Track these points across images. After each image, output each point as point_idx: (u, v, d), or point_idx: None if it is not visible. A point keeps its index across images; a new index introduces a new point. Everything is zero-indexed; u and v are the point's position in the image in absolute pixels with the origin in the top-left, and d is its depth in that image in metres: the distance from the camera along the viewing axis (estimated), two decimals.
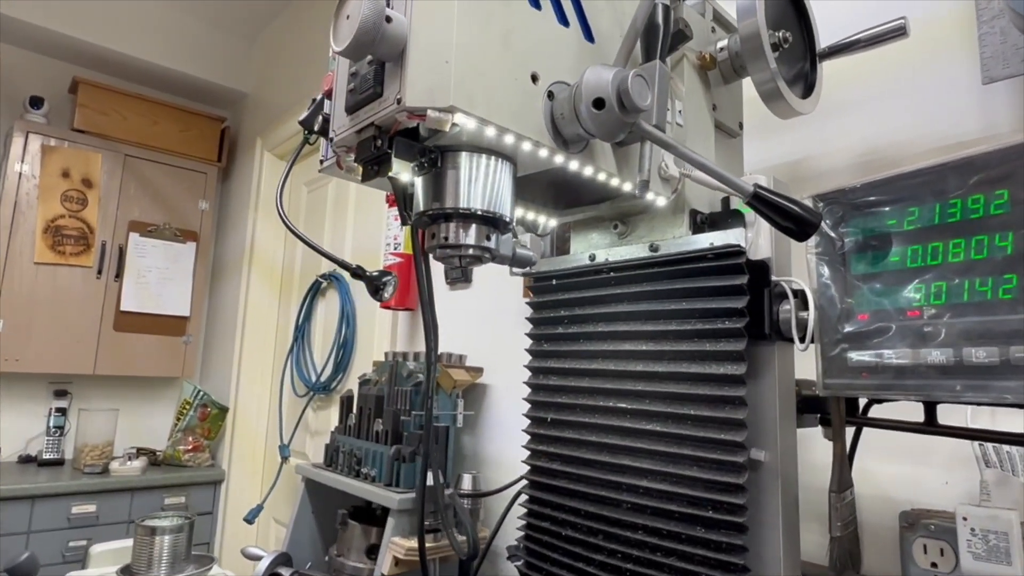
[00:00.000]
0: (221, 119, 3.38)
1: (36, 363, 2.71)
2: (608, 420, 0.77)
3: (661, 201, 0.73)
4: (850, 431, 0.76)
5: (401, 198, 0.66)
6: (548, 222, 0.85)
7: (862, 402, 0.73)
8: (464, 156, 0.59)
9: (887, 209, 0.61)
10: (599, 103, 0.56)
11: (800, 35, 0.86)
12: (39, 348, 2.72)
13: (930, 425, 0.64)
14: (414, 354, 1.47)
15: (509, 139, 0.57)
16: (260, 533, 2.74)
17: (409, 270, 1.75)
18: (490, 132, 0.55)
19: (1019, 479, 0.76)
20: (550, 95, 0.60)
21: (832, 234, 0.64)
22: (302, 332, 2.63)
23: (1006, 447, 0.76)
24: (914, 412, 0.65)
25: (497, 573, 1.39)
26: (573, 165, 0.63)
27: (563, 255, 0.87)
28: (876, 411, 0.72)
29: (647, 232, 0.79)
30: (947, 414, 0.64)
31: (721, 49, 0.81)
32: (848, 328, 0.62)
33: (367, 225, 2.35)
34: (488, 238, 0.62)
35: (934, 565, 0.75)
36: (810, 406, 0.74)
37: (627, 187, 0.69)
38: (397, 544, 1.19)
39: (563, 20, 0.64)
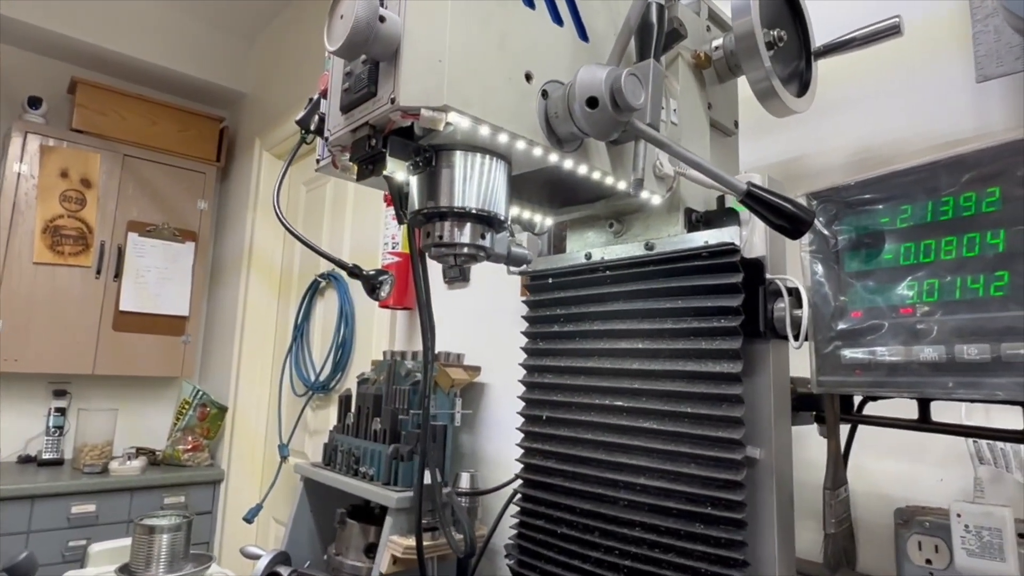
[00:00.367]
0: (220, 119, 3.38)
1: (35, 363, 2.71)
2: (604, 418, 0.77)
3: (656, 199, 0.73)
4: (845, 428, 0.76)
5: (397, 197, 0.66)
6: (544, 221, 0.85)
7: (857, 399, 0.73)
8: (459, 155, 0.60)
9: (880, 207, 0.61)
10: (593, 102, 0.56)
11: (795, 34, 0.86)
12: (38, 348, 2.72)
13: (924, 422, 0.65)
14: (412, 353, 1.47)
15: (503, 138, 0.57)
16: (259, 532, 2.75)
17: (407, 269, 1.75)
18: (484, 131, 0.56)
19: (1013, 476, 0.76)
20: (544, 94, 0.60)
21: (826, 232, 0.64)
22: (301, 332, 2.63)
23: (1000, 444, 0.76)
24: (909, 409, 0.65)
25: (495, 571, 1.39)
26: (567, 164, 0.63)
27: (559, 254, 0.88)
28: (871, 408, 0.72)
29: (643, 231, 0.80)
30: (941, 411, 0.64)
31: (716, 48, 0.81)
32: (842, 326, 0.62)
33: (365, 224, 2.36)
34: (483, 237, 0.62)
35: (928, 562, 0.75)
36: (805, 404, 0.74)
37: (622, 186, 0.69)
38: (395, 543, 1.19)
39: (557, 19, 0.64)
